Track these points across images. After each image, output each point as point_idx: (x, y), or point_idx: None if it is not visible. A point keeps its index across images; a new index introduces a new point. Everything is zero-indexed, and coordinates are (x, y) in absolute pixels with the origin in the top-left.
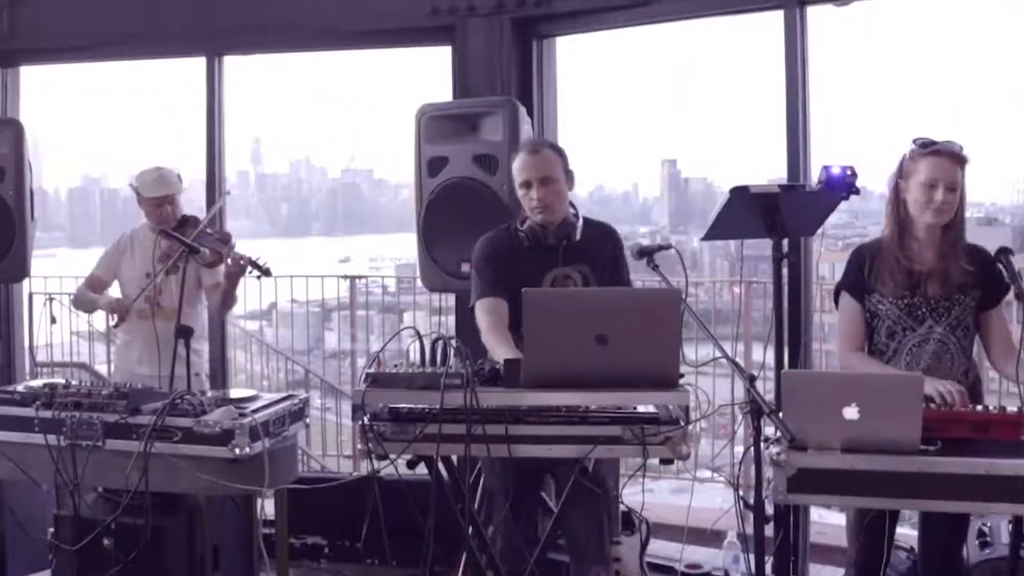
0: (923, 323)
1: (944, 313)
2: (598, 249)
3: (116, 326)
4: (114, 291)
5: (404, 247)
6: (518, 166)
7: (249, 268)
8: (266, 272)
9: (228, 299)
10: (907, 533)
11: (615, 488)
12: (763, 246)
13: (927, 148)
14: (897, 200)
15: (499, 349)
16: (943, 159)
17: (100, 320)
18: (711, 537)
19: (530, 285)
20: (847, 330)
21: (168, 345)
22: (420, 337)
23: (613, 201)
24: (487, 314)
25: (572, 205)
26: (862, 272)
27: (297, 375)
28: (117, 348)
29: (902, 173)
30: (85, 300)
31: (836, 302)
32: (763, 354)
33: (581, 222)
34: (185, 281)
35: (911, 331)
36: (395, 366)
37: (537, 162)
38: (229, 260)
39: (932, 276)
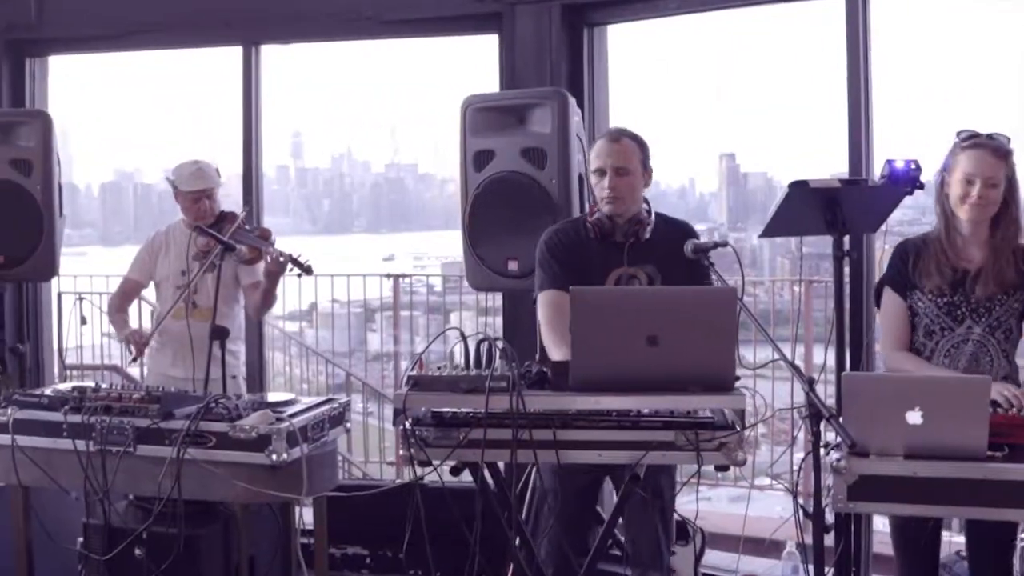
0: (962, 323)
1: (984, 314)
2: (670, 249)
3: (134, 360)
4: (149, 293)
5: (450, 244)
6: (595, 152)
7: (289, 266)
8: (307, 270)
9: (268, 298)
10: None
11: (673, 494)
12: (825, 243)
13: (968, 141)
14: (942, 195)
15: (555, 351)
16: (984, 152)
17: (133, 320)
18: (770, 548)
19: (595, 281)
20: (891, 327)
21: (203, 347)
22: (464, 338)
23: (668, 196)
24: (548, 308)
25: (646, 201)
26: (906, 267)
27: (338, 378)
28: (150, 350)
29: (947, 167)
30: (113, 320)
31: (878, 299)
32: (823, 356)
33: (653, 219)
34: (221, 280)
35: (949, 331)
36: (438, 368)
37: (615, 150)
38: (269, 257)
39: (979, 275)
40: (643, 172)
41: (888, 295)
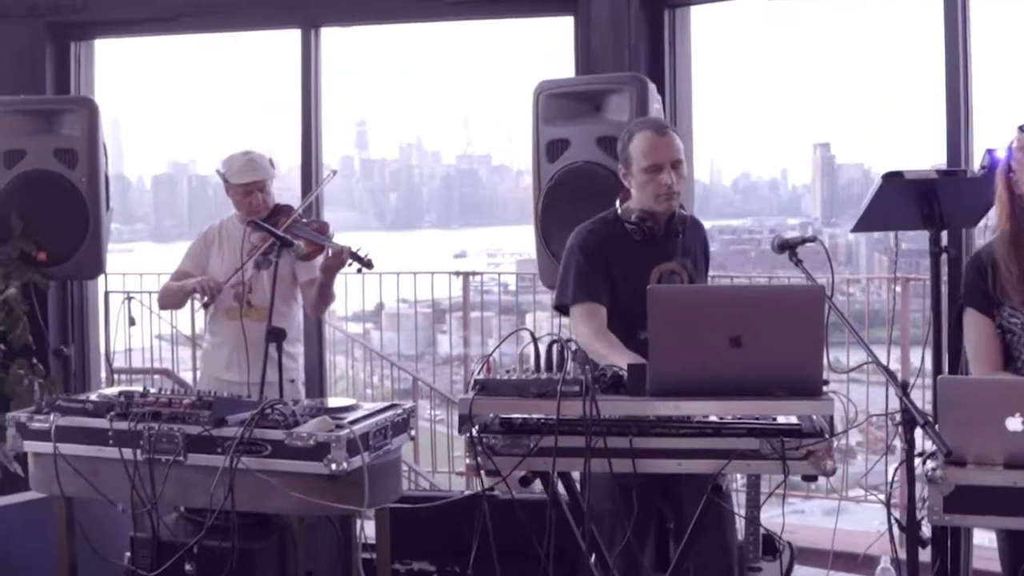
0: None
1: None
2: (695, 243)
3: (206, 306)
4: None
5: (526, 241)
6: (643, 147)
7: (349, 260)
8: (368, 264)
9: (325, 296)
10: None
11: (749, 508)
12: (924, 239)
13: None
14: (1007, 193)
15: (614, 354)
16: None
17: (185, 321)
18: (864, 564)
19: (638, 281)
20: (980, 351)
21: (259, 348)
22: (535, 339)
23: (759, 189)
24: (589, 320)
25: None
26: (985, 282)
27: (405, 383)
28: (203, 352)
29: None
30: (170, 292)
31: (959, 322)
32: (920, 359)
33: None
34: (278, 277)
35: None
36: (507, 372)
37: (668, 144)
38: (327, 252)
39: None
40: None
41: (971, 316)
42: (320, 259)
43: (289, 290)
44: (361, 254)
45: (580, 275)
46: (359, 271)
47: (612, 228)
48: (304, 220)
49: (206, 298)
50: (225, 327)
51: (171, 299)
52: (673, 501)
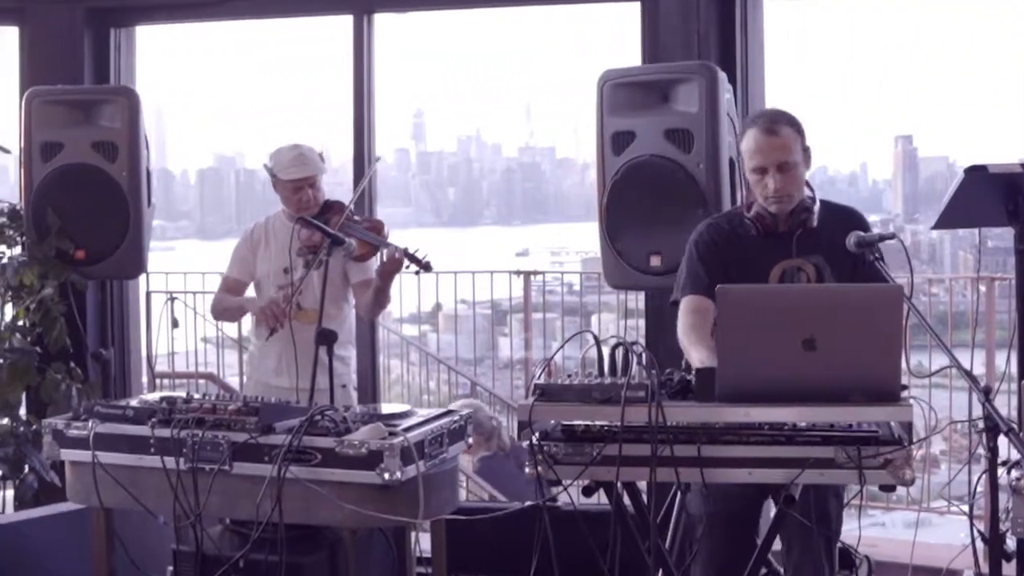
0: None
1: None
2: (837, 238)
3: (271, 334)
4: (251, 293)
5: (591, 238)
6: (750, 147)
7: (405, 262)
8: (425, 267)
9: (380, 299)
10: None
11: (841, 517)
12: (1011, 236)
13: None
14: None
15: (694, 351)
16: None
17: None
18: None
19: (756, 279)
20: None
21: (308, 352)
22: (598, 342)
23: (838, 184)
24: (689, 315)
25: (808, 186)
26: None
27: (463, 388)
28: (250, 356)
29: None
30: (227, 309)
31: None
32: (1006, 362)
33: (818, 206)
34: (328, 277)
35: None
36: (569, 376)
37: (775, 145)
38: (382, 254)
39: None
40: (805, 157)
41: None
42: (373, 260)
43: (340, 291)
44: (419, 256)
45: (689, 269)
46: (416, 273)
47: (733, 222)
48: (357, 218)
49: (272, 326)
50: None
51: (227, 316)
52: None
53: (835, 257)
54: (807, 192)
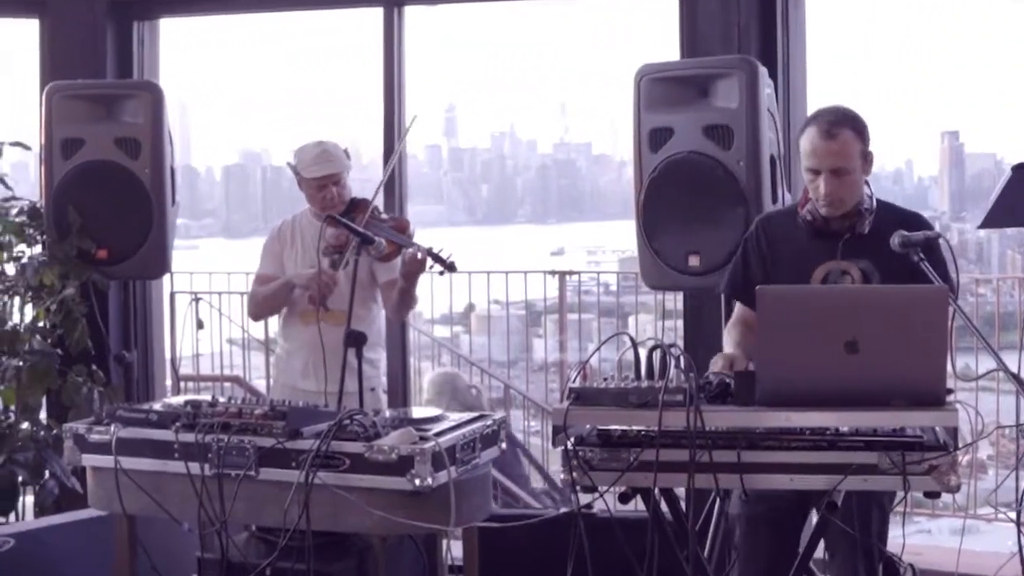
0: None
1: None
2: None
3: (323, 303)
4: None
5: (629, 237)
6: (807, 147)
7: (429, 262)
8: (450, 267)
9: (407, 299)
10: None
11: (884, 526)
12: None
13: None
14: None
15: (727, 349)
16: None
17: (257, 324)
18: None
19: (800, 278)
20: None
21: (336, 355)
22: (635, 344)
23: (882, 181)
24: (735, 322)
25: (867, 185)
26: None
27: (496, 391)
28: (276, 359)
29: None
30: (265, 295)
31: None
32: None
33: (875, 207)
34: (356, 277)
35: None
36: (605, 380)
37: (831, 150)
38: (405, 254)
39: None
40: (863, 163)
41: None
42: (399, 259)
43: (368, 292)
44: (443, 255)
45: (733, 268)
46: (441, 273)
47: (787, 218)
48: (383, 216)
49: (324, 294)
50: (300, 332)
51: (269, 304)
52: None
53: (885, 262)
54: (866, 191)
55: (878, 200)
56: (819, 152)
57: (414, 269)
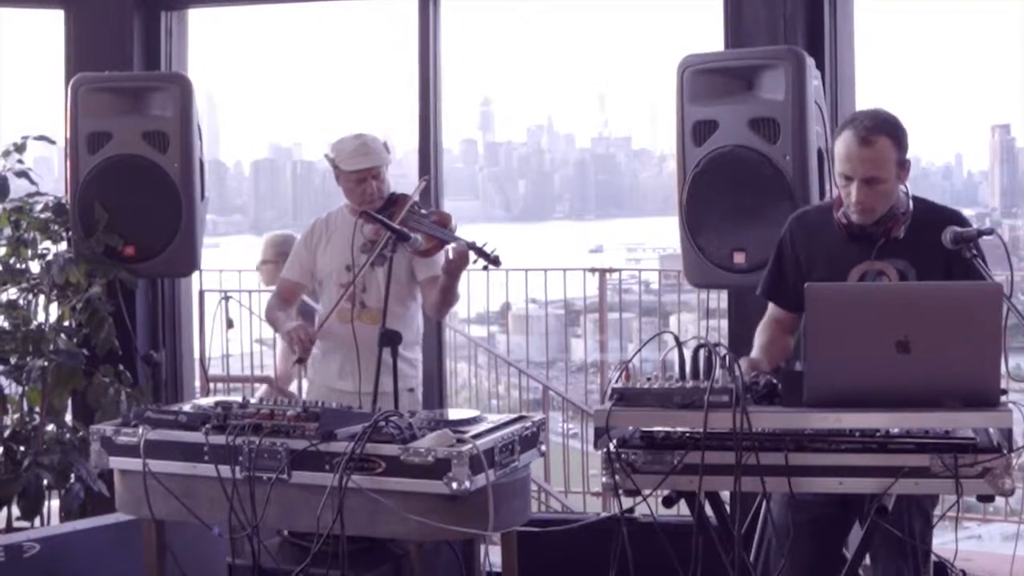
0: None
1: None
2: (929, 241)
3: (299, 362)
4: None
5: (670, 233)
6: (841, 152)
7: (472, 257)
8: (494, 261)
9: (448, 297)
10: None
11: (927, 533)
12: None
13: None
14: None
15: (755, 351)
16: None
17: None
18: None
19: (838, 279)
20: None
21: (373, 354)
22: (679, 344)
23: (931, 176)
24: (768, 322)
25: (906, 190)
26: None
27: (535, 393)
28: (312, 359)
29: None
30: (272, 320)
31: None
32: None
33: (911, 209)
34: (393, 274)
35: None
36: (648, 380)
37: (865, 157)
38: (449, 249)
39: None
40: (899, 171)
41: None
42: (440, 256)
43: (406, 289)
44: (487, 249)
45: (770, 267)
46: (484, 268)
47: (823, 215)
48: (423, 211)
49: (298, 353)
50: (337, 331)
51: (273, 325)
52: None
53: (926, 260)
54: (902, 192)
55: (915, 198)
56: (853, 159)
57: (457, 264)
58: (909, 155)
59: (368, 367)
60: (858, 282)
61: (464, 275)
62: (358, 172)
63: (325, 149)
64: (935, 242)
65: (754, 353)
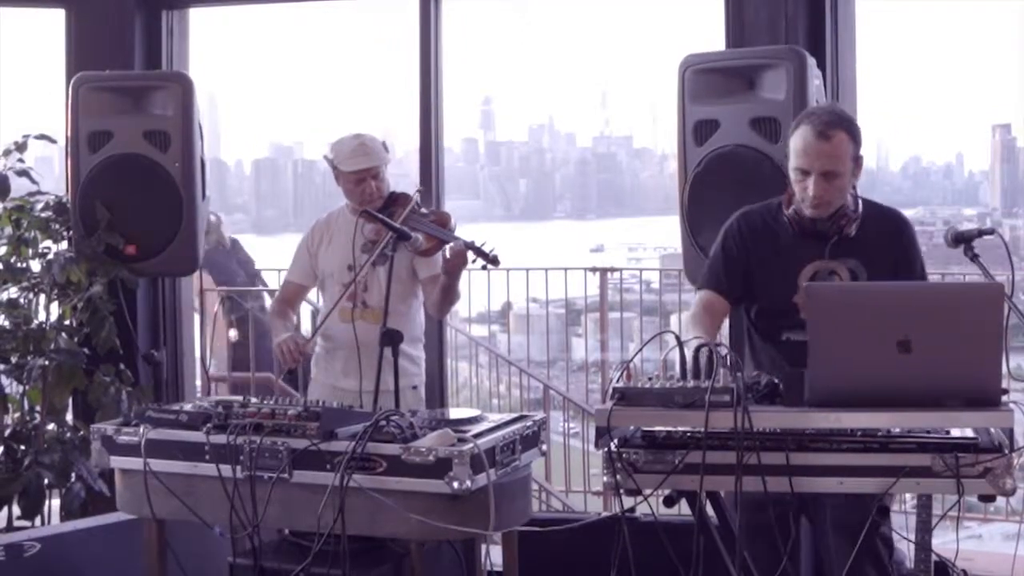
0: None
1: None
2: (879, 243)
3: (288, 373)
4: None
5: (671, 233)
6: (798, 146)
7: (471, 256)
8: (493, 260)
9: (449, 295)
10: None
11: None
12: None
13: None
14: None
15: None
16: None
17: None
18: None
19: (786, 277)
20: None
21: (372, 353)
22: (680, 343)
23: (932, 176)
24: (698, 307)
25: (853, 190)
26: None
27: (535, 392)
28: (316, 358)
29: None
30: (270, 325)
31: None
32: None
33: (861, 211)
34: (395, 273)
35: None
36: (649, 380)
37: (824, 151)
38: (447, 248)
39: None
40: (854, 167)
41: None
42: (441, 254)
43: (407, 287)
44: (485, 249)
45: (712, 261)
46: (484, 268)
47: (771, 215)
48: (423, 211)
49: (288, 365)
50: (339, 329)
51: (271, 327)
52: (815, 521)
53: (872, 260)
54: (851, 194)
55: (862, 198)
56: (811, 153)
57: (456, 263)
58: (910, 154)
59: (370, 366)
60: (810, 280)
61: (465, 275)
62: (357, 172)
63: (324, 150)
64: (884, 242)
65: (704, 337)
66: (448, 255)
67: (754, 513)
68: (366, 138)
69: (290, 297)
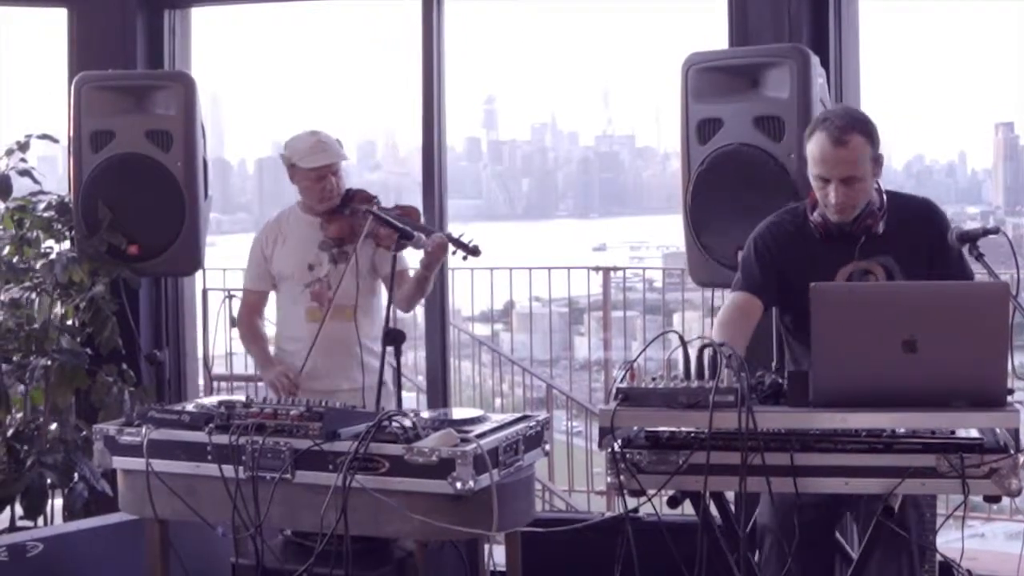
0: None
1: None
2: (909, 235)
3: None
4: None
5: (673, 232)
6: (815, 154)
7: (451, 248)
8: (473, 252)
9: (422, 288)
10: None
11: (925, 531)
12: None
13: None
14: None
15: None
16: None
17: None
18: None
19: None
20: None
21: (344, 351)
22: (684, 343)
23: (935, 175)
24: (731, 310)
25: (878, 187)
26: None
27: (538, 391)
28: (280, 356)
29: None
30: (249, 350)
31: None
32: None
33: (886, 205)
34: (358, 269)
35: None
36: (653, 379)
37: (841, 157)
38: (427, 243)
39: None
40: (873, 167)
41: None
42: (409, 249)
43: (369, 284)
44: (464, 240)
45: (745, 266)
46: (464, 258)
47: (797, 221)
48: (386, 207)
49: (282, 397)
50: (305, 331)
51: (250, 352)
52: (860, 520)
53: (906, 256)
54: (875, 190)
55: (886, 191)
56: (829, 160)
57: (436, 256)
58: (913, 153)
59: (341, 364)
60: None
61: (467, 273)
62: (317, 169)
63: (275, 148)
64: (914, 232)
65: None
66: (429, 248)
67: (786, 516)
68: (323, 135)
69: (254, 306)
